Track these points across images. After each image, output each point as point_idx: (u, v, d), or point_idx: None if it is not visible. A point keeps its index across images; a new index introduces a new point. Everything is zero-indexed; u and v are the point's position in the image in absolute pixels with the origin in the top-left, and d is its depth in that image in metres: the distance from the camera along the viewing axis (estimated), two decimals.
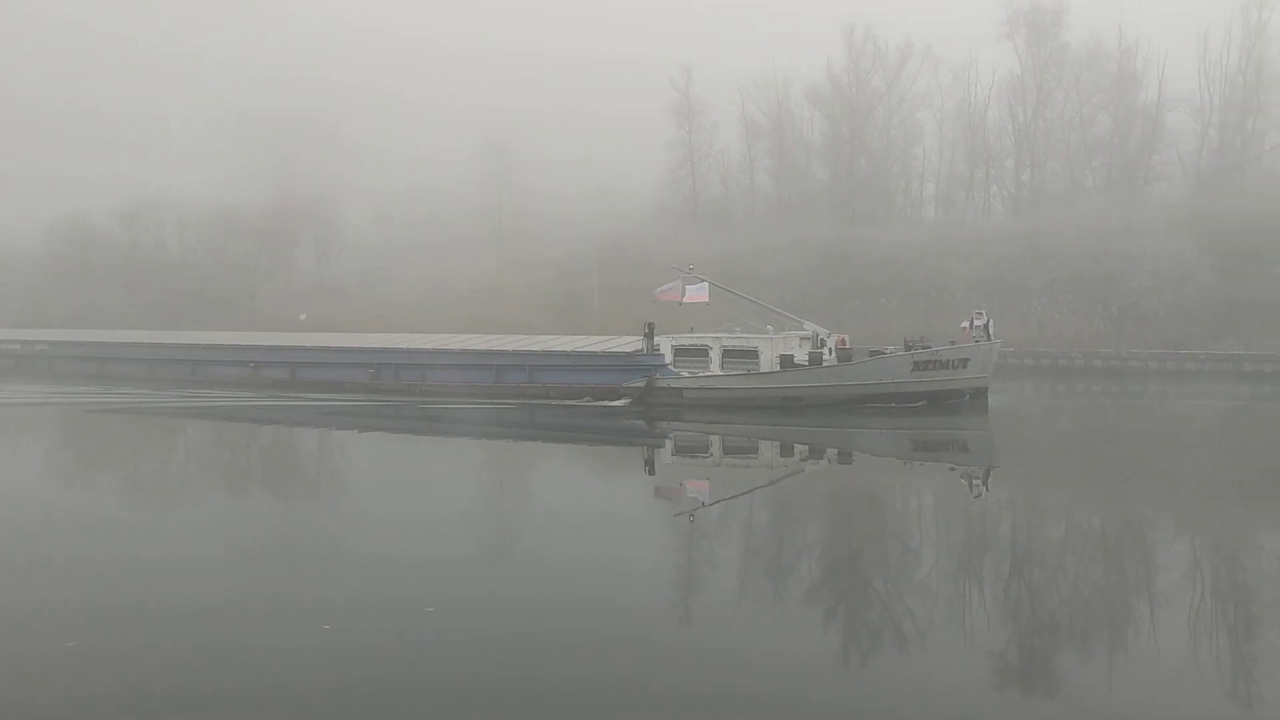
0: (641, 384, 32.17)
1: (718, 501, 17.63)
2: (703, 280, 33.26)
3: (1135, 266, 54.29)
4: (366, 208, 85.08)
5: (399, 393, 35.27)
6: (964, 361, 30.95)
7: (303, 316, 56.02)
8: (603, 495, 18.97)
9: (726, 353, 32.45)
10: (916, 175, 78.63)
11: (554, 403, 32.84)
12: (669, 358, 32.66)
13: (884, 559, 13.24)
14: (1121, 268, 55.06)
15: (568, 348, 35.44)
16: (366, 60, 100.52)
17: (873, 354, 32.18)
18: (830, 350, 32.30)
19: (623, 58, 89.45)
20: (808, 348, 32.18)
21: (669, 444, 27.01)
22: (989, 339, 31.52)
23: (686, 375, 32.09)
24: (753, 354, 32.20)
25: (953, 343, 32.01)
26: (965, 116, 74.28)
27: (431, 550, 13.07)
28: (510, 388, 34.21)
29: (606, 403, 32.11)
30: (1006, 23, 70.68)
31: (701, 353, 32.66)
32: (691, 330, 33.63)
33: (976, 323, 31.75)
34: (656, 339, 33.04)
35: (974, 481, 19.16)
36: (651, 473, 21.73)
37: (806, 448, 25.41)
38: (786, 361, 31.60)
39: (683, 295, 32.94)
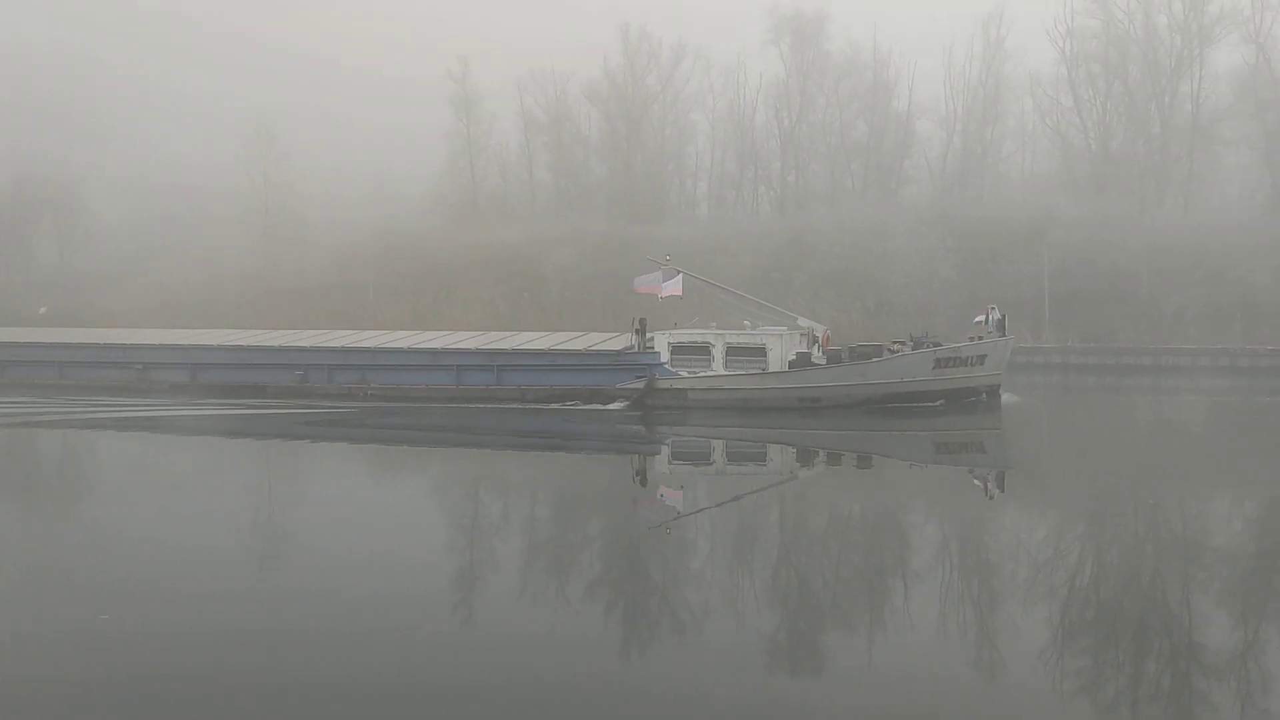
0: (640, 384, 29.56)
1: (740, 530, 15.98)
2: (679, 272, 31.12)
3: (888, 264, 58.00)
4: (121, 199, 79.10)
5: (334, 397, 31.70)
6: (981, 358, 29.89)
7: (43, 310, 51.68)
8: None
9: (731, 350, 29.94)
10: (690, 174, 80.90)
11: (531, 407, 29.93)
12: (665, 356, 30.06)
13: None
14: (876, 264, 58.67)
15: (537, 345, 32.46)
16: (123, 38, 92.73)
17: (860, 351, 30.32)
18: (819, 349, 30.50)
19: (396, 54, 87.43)
20: (801, 345, 30.10)
21: (664, 451, 25.10)
22: (1003, 335, 30.52)
23: (687, 375, 29.66)
24: (760, 351, 29.79)
25: (972, 338, 30.78)
26: (735, 118, 76.95)
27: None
28: (476, 390, 31.01)
29: (599, 406, 29.50)
30: (772, 29, 73.78)
31: (702, 350, 30.02)
32: (638, 321, 31.16)
33: (993, 317, 30.64)
34: (650, 335, 30.43)
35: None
36: (676, 488, 19.84)
37: (823, 453, 23.90)
38: (803, 360, 29.46)
39: (662, 288, 30.61)
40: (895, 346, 31.15)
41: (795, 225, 65.23)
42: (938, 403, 29.31)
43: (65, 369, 35.25)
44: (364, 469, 22.65)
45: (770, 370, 29.50)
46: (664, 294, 30.84)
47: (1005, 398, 30.84)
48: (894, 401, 29.07)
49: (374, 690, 8.75)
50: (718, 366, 29.88)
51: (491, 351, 31.96)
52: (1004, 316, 30.82)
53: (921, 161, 74.40)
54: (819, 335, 31.12)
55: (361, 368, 32.76)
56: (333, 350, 33.46)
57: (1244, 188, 67.58)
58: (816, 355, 30.21)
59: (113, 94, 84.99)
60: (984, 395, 30.03)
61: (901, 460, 23.14)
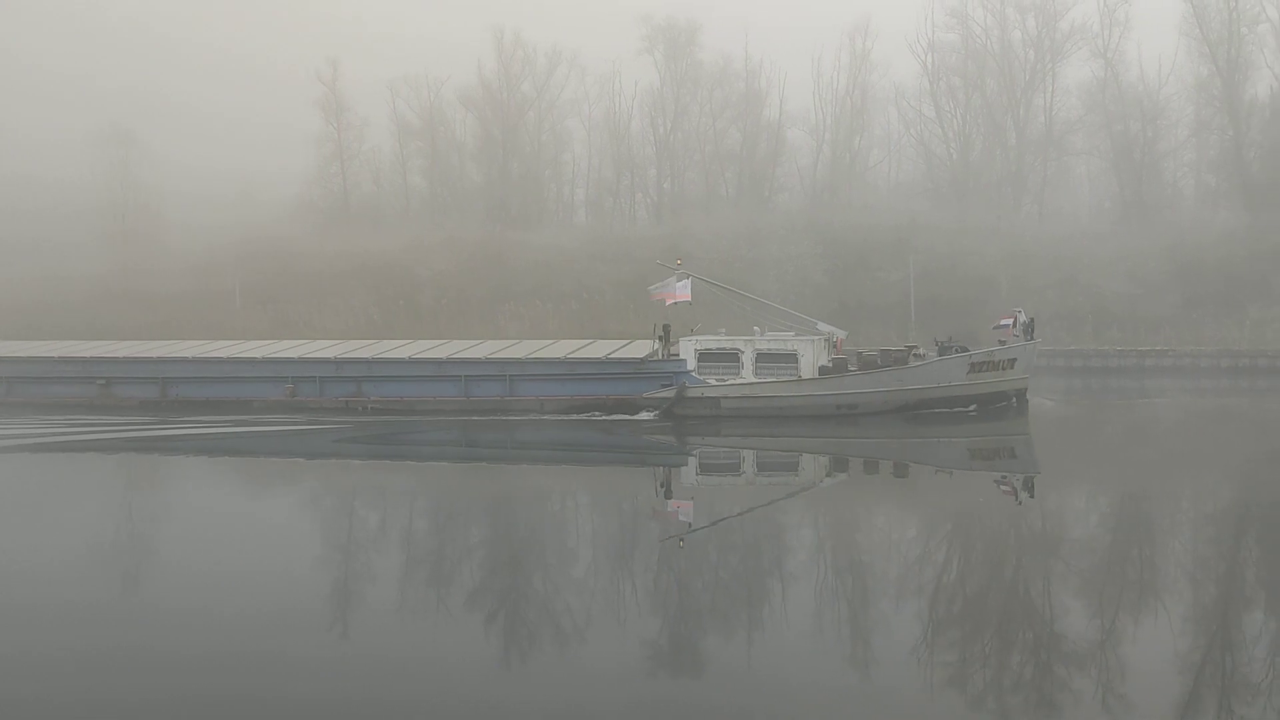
0: (669, 393, 28.54)
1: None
2: (688, 277, 30.02)
3: (762, 269, 58.98)
4: None
5: (329, 412, 29.87)
6: (1011, 362, 29.52)
7: None
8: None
9: (761, 357, 28.88)
10: (568, 180, 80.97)
11: (549, 418, 28.64)
12: (691, 363, 29.11)
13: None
14: (751, 270, 59.62)
15: (548, 354, 30.78)
16: None
17: (895, 356, 29.63)
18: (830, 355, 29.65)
19: (263, 48, 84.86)
20: (822, 349, 29.17)
21: (692, 462, 24.24)
22: (1030, 338, 30.19)
23: (715, 383, 28.68)
24: (792, 358, 28.79)
25: (1001, 342, 30.43)
26: (611, 125, 77.29)
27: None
28: (489, 402, 29.52)
29: (625, 417, 28.43)
30: (646, 38, 74.39)
31: (731, 357, 28.96)
32: (661, 327, 30.00)
33: (1021, 320, 30.30)
34: (678, 342, 29.34)
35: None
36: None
37: (891, 463, 23.32)
38: (839, 365, 28.77)
39: (673, 294, 29.60)
40: (921, 352, 30.75)
41: (672, 232, 65.81)
42: (970, 408, 29.02)
43: (14, 385, 32.56)
44: (503, 492, 20.96)
45: (803, 377, 28.67)
46: (671, 300, 29.92)
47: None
48: (929, 407, 28.56)
49: None
50: (747, 374, 28.93)
51: (503, 361, 30.40)
52: (1032, 320, 30.65)
53: (793, 169, 76.05)
54: (835, 341, 30.53)
55: (357, 379, 30.97)
56: (324, 361, 31.50)
57: (1094, 196, 71.34)
58: (852, 361, 29.61)
59: None
60: (1014, 399, 29.79)
61: (970, 473, 22.43)
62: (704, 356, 29.14)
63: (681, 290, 29.65)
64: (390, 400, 30.45)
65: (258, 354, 32.77)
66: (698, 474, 23.10)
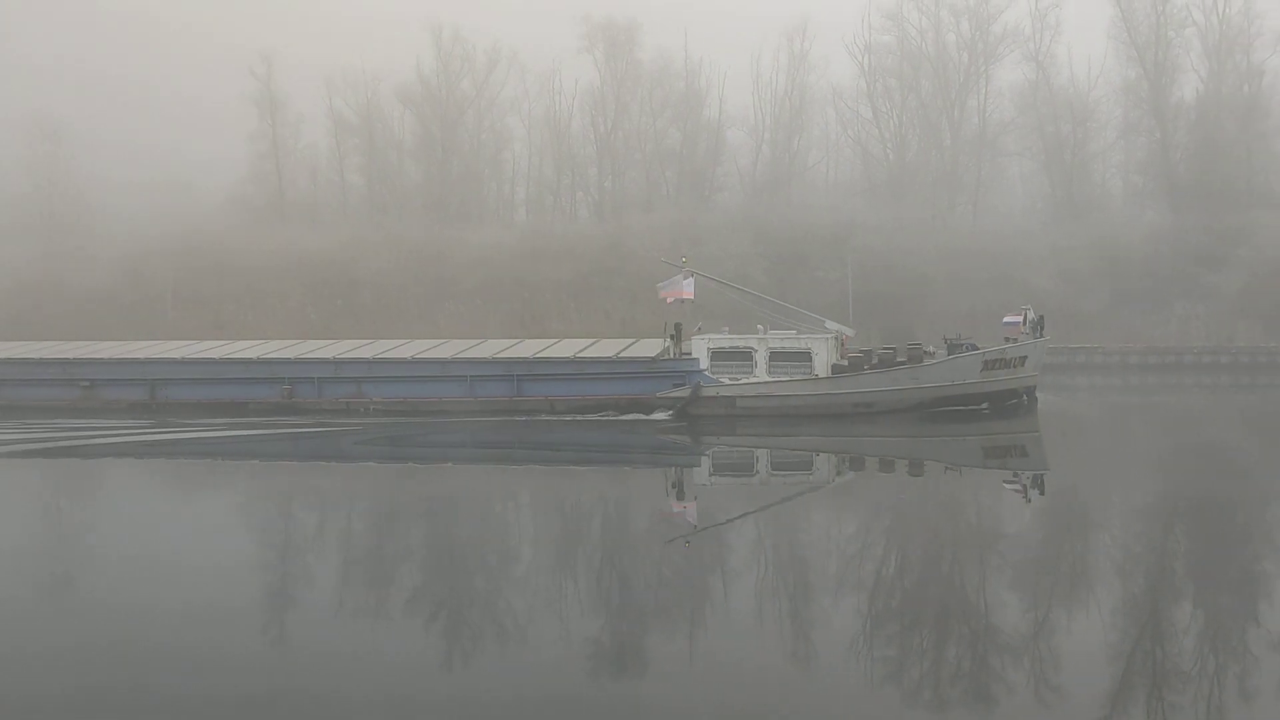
0: (684, 393, 28.21)
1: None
2: (692, 275, 29.74)
3: (703, 268, 58.85)
4: None
5: (328, 413, 29.00)
6: (1022, 360, 29.54)
7: None
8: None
9: (774, 355, 28.73)
10: (508, 179, 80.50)
11: (558, 418, 28.13)
12: (704, 362, 28.75)
13: None
14: (691, 268, 59.89)
15: (555, 354, 30.22)
16: None
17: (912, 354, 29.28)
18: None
19: (197, 39, 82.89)
20: (830, 348, 28.93)
21: (705, 462, 23.71)
22: (1040, 336, 30.29)
23: (729, 382, 28.41)
24: (805, 356, 28.65)
25: (1008, 340, 30.38)
26: (552, 124, 77.03)
27: None
28: (497, 402, 28.93)
29: (640, 416, 27.97)
30: (586, 36, 74.28)
31: (744, 356, 28.79)
32: (673, 326, 29.66)
33: (1030, 318, 30.34)
34: (689, 340, 28.95)
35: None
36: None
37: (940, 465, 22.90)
38: (856, 364, 28.63)
39: (681, 292, 29.22)
40: (930, 349, 30.71)
41: (613, 230, 65.86)
42: (983, 406, 28.96)
43: None
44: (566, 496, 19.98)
45: (817, 375, 28.52)
46: (672, 297, 29.70)
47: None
48: (943, 405, 28.50)
49: None
50: (760, 373, 28.72)
51: (509, 360, 29.85)
52: (1041, 317, 30.71)
53: (733, 169, 76.42)
54: (841, 339, 30.36)
55: (357, 380, 30.24)
56: (323, 362, 30.70)
57: (1026, 196, 72.71)
58: (869, 359, 29.53)
59: None
60: (1024, 397, 29.78)
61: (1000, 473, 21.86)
62: (717, 355, 28.91)
63: (687, 288, 29.56)
64: (393, 401, 29.76)
65: (252, 354, 31.87)
66: (772, 470, 22.44)
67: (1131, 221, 63.84)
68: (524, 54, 75.19)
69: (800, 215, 63.92)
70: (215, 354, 32.23)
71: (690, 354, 29.21)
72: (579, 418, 28.59)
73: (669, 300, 29.86)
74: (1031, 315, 30.62)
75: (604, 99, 74.72)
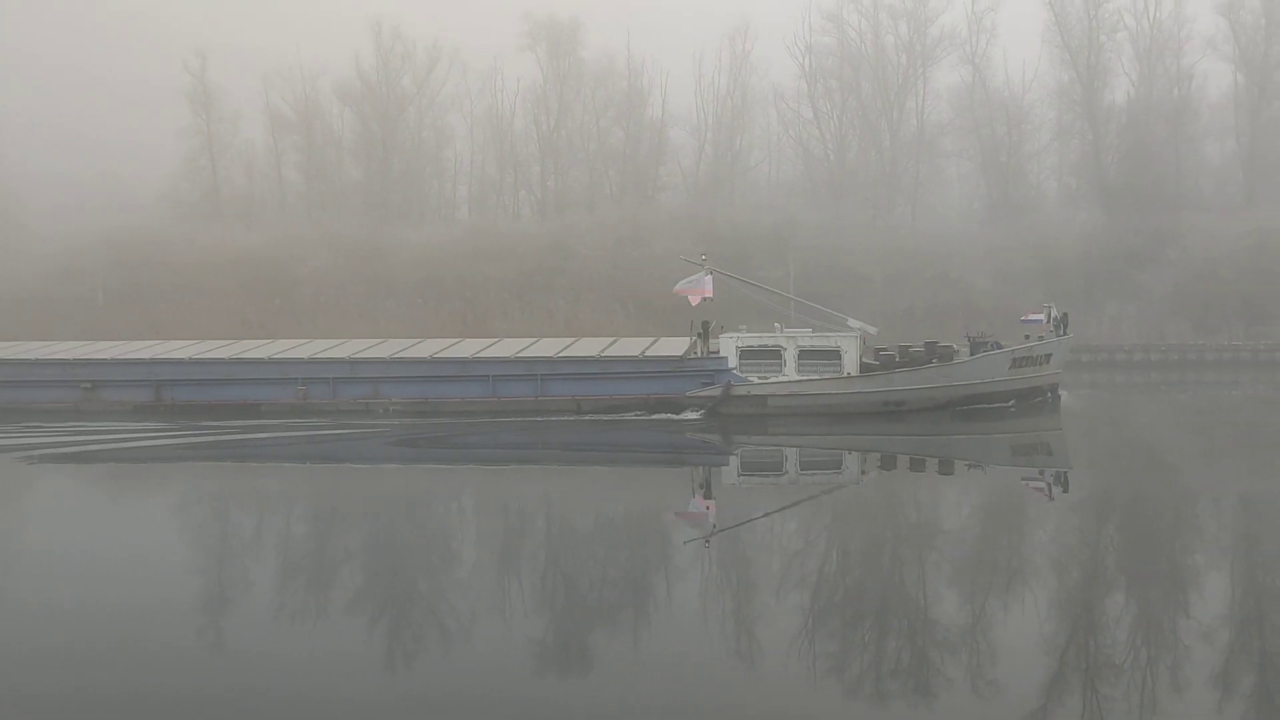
0: (715, 392, 27.77)
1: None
2: (710, 273, 29.24)
3: (646, 267, 59.31)
4: None
5: (345, 414, 28.12)
6: (1047, 357, 29.59)
7: None
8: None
9: (804, 354, 28.40)
10: (450, 177, 79.90)
11: (586, 418, 27.65)
12: (733, 361, 28.35)
13: None
14: (635, 268, 59.91)
15: (577, 353, 29.66)
16: None
17: (942, 352, 29.04)
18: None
19: (130, 21, 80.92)
20: (854, 345, 28.60)
21: (734, 461, 23.22)
22: (1063, 333, 30.29)
23: (758, 380, 28.06)
24: (835, 354, 28.37)
25: (1034, 337, 30.34)
26: (494, 122, 76.60)
27: None
28: (522, 402, 28.33)
29: (670, 416, 27.49)
30: (528, 34, 73.96)
31: (774, 354, 28.41)
32: (701, 324, 29.11)
33: (1054, 315, 30.21)
34: (717, 339, 28.46)
35: None
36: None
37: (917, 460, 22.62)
38: (888, 362, 28.52)
39: (704, 290, 28.67)
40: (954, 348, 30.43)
41: (556, 229, 65.65)
42: (1010, 403, 28.97)
43: None
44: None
45: (846, 374, 28.37)
46: (696, 296, 29.10)
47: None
48: (973, 403, 28.53)
49: None
50: (789, 372, 28.44)
51: (532, 360, 29.23)
52: (1065, 314, 30.63)
53: (675, 169, 76.61)
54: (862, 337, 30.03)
55: (374, 380, 29.45)
56: (338, 361, 29.87)
57: (964, 196, 73.90)
58: (899, 358, 29.33)
59: None
60: (1049, 394, 29.89)
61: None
62: (745, 354, 28.57)
63: (707, 286, 29.23)
64: (412, 401, 29.06)
65: (263, 354, 31.04)
66: (894, 469, 21.82)
67: (1065, 222, 65.12)
68: (465, 51, 74.74)
69: (742, 215, 64.28)
70: (224, 353, 31.36)
71: (718, 353, 28.88)
72: (603, 418, 28.17)
73: (693, 300, 29.27)
74: (1055, 313, 30.68)
75: (546, 97, 74.47)
